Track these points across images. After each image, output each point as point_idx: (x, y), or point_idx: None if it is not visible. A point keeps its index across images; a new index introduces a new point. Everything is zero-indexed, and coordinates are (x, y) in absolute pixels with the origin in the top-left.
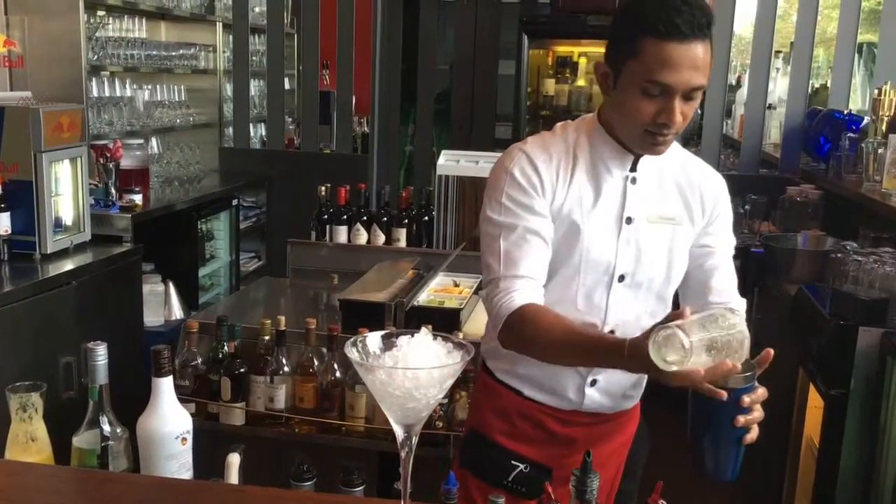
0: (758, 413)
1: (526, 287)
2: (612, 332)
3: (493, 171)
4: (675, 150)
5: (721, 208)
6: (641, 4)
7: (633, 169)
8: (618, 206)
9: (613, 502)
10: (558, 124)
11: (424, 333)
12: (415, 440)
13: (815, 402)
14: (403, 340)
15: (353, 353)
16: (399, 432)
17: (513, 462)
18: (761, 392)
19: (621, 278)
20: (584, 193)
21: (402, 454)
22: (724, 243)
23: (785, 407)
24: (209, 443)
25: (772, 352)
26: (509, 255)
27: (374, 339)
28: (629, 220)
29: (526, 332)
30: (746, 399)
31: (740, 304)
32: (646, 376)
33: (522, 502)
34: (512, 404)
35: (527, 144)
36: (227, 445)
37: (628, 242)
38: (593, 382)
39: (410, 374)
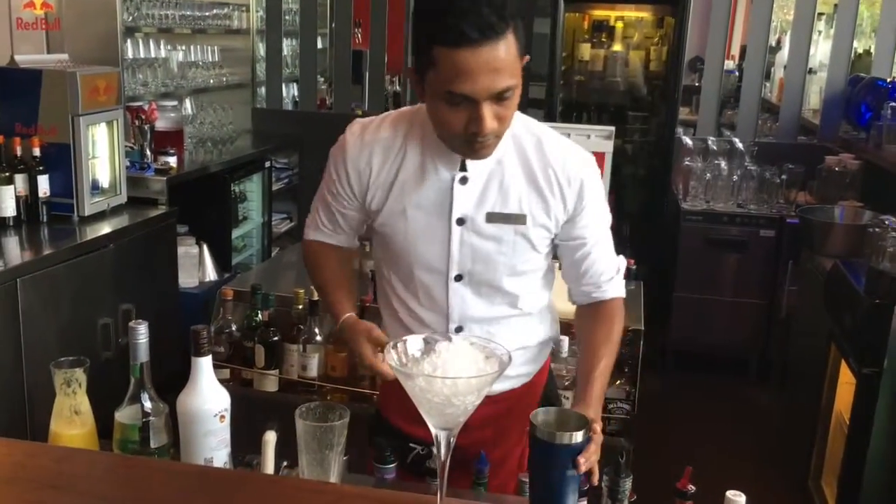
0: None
1: (325, 230)
2: (459, 328)
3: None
4: (529, 136)
5: (587, 199)
6: (430, 12)
7: (463, 168)
8: (446, 207)
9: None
10: (396, 111)
11: (462, 339)
12: (452, 441)
13: (846, 379)
14: (442, 347)
15: (392, 358)
16: (436, 434)
17: (410, 444)
18: (592, 450)
19: (458, 278)
20: (410, 192)
21: (441, 452)
22: (594, 230)
23: (815, 382)
24: (244, 409)
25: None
26: (315, 227)
27: (414, 342)
28: (461, 221)
29: (307, 263)
30: (581, 459)
31: (614, 291)
32: (537, 360)
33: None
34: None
35: (350, 141)
36: (261, 412)
37: (462, 243)
38: None
39: (450, 382)
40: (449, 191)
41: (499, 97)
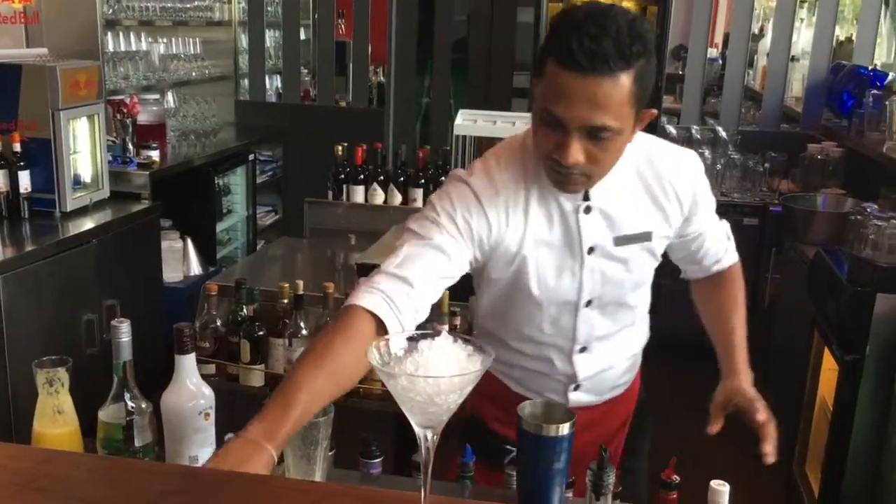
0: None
1: (386, 284)
2: (583, 349)
3: (433, 195)
4: (639, 151)
5: (699, 197)
6: (561, 22)
7: (586, 198)
8: (575, 239)
9: (620, 480)
10: (506, 147)
11: (444, 337)
12: (436, 439)
13: (829, 365)
14: (424, 345)
15: (374, 358)
16: (419, 432)
17: (507, 447)
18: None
19: (588, 303)
20: (538, 228)
21: (423, 450)
22: (706, 221)
23: (799, 369)
24: (230, 404)
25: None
26: (405, 259)
27: (396, 341)
28: (591, 250)
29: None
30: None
31: (730, 259)
32: (637, 364)
33: None
34: (502, 393)
35: (473, 177)
36: (248, 407)
37: (593, 271)
38: (576, 387)
39: (432, 381)
40: (575, 223)
41: (593, 134)
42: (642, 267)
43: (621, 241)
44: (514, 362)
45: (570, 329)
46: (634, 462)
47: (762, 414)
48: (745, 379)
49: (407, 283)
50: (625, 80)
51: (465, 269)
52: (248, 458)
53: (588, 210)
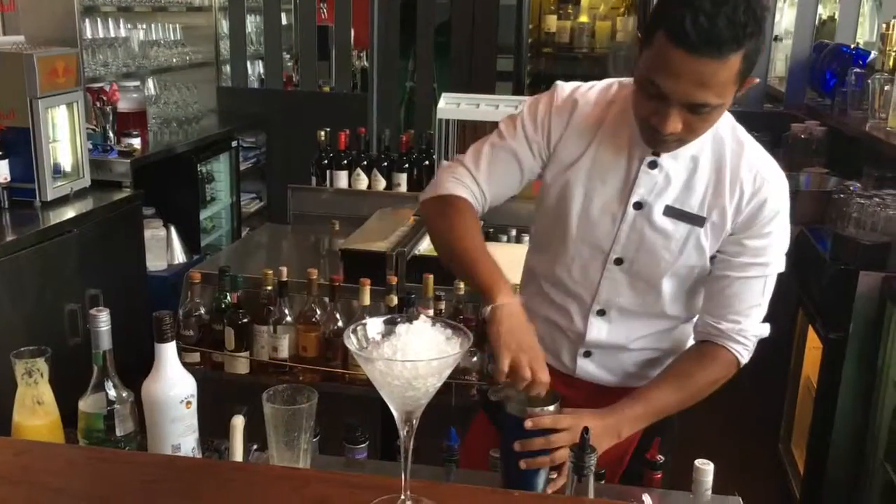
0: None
1: (469, 185)
2: (601, 311)
3: (528, 100)
4: (732, 142)
5: (761, 219)
6: None
7: (656, 153)
8: (627, 188)
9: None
10: (606, 82)
11: (423, 320)
12: (415, 422)
13: (813, 344)
14: (402, 329)
15: (351, 343)
16: (399, 417)
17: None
18: (548, 421)
19: (618, 261)
20: (596, 162)
21: (402, 434)
22: (753, 259)
23: (783, 347)
24: (215, 392)
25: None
26: (483, 157)
27: (374, 325)
28: (638, 206)
29: (446, 213)
30: (529, 423)
31: (735, 344)
32: (669, 358)
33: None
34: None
35: (562, 88)
36: (233, 394)
37: (632, 228)
38: (587, 353)
39: (409, 365)
40: (635, 172)
41: (693, 109)
42: (685, 253)
43: (671, 211)
44: (540, 312)
45: (594, 283)
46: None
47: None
48: (628, 410)
49: (479, 187)
50: (734, 60)
51: (536, 172)
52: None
53: (653, 165)
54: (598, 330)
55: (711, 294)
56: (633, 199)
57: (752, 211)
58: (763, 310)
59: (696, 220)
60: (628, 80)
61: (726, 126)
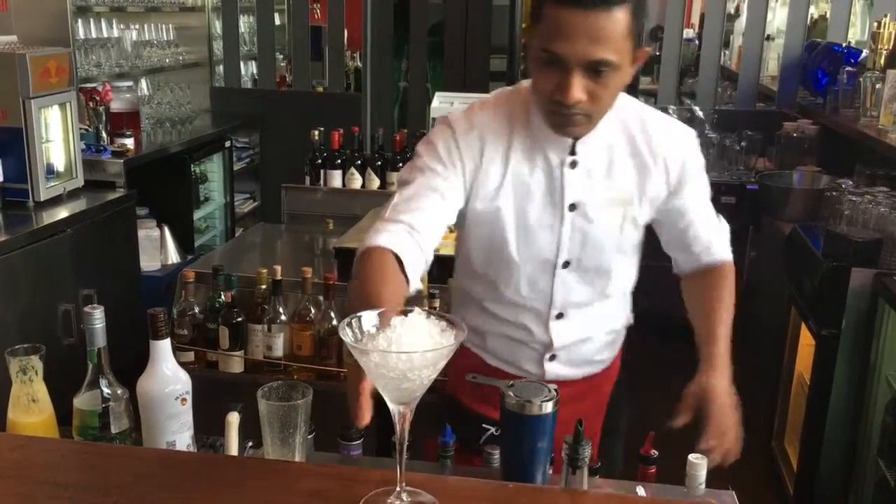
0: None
1: (394, 229)
2: (559, 314)
3: (420, 143)
4: (635, 119)
5: (690, 169)
6: None
7: (573, 152)
8: (558, 194)
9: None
10: (494, 95)
11: (418, 313)
12: (410, 415)
13: (806, 340)
14: (397, 321)
15: (346, 336)
16: (394, 409)
17: (483, 426)
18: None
19: (566, 264)
20: (520, 175)
21: (398, 427)
22: (696, 199)
23: (776, 344)
24: (210, 391)
25: None
26: (399, 205)
27: (368, 318)
28: (573, 207)
29: (358, 271)
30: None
31: (723, 253)
32: (617, 344)
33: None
34: (477, 368)
35: (455, 120)
36: (227, 393)
37: (574, 230)
38: (552, 357)
39: (405, 357)
40: (559, 177)
41: (594, 70)
42: (624, 232)
43: (604, 201)
44: (490, 330)
45: (547, 292)
46: (611, 442)
47: (720, 425)
48: (720, 381)
49: (410, 227)
50: (621, 14)
51: (461, 204)
52: None
53: (574, 165)
54: (560, 334)
55: (688, 242)
56: (567, 202)
57: (680, 169)
58: (716, 216)
59: (628, 201)
60: (510, 87)
61: (629, 109)
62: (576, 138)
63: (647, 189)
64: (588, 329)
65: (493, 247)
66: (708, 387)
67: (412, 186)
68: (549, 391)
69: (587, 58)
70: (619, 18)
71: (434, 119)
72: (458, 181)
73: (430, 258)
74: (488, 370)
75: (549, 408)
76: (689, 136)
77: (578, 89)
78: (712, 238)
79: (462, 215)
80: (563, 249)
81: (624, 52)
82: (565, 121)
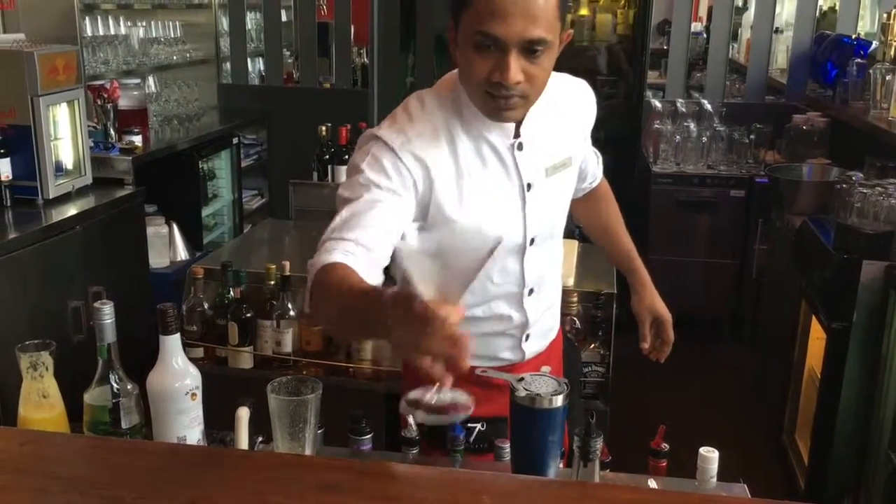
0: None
1: (343, 248)
2: (531, 290)
3: (350, 161)
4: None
5: (592, 115)
6: None
7: (517, 135)
8: (514, 178)
9: None
10: (416, 101)
11: None
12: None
13: (817, 334)
14: None
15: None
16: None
17: (469, 425)
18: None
19: (532, 241)
20: (472, 169)
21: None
22: (589, 140)
23: (787, 338)
24: (219, 387)
25: None
26: (346, 222)
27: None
28: (529, 187)
29: (318, 292)
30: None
31: (600, 174)
32: (558, 304)
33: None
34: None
35: (381, 131)
36: (237, 389)
37: (535, 206)
38: (527, 337)
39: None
40: (512, 161)
41: (529, 49)
42: (569, 193)
43: (550, 171)
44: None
45: (517, 272)
46: (573, 397)
47: (670, 333)
48: (653, 293)
49: (357, 243)
50: None
51: (409, 218)
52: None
53: (521, 147)
54: (533, 308)
55: (583, 177)
56: (524, 182)
57: (590, 118)
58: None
59: (568, 163)
60: (426, 91)
61: None
62: (513, 121)
63: (577, 147)
64: (550, 295)
65: (469, 247)
66: (651, 304)
67: (357, 203)
68: (560, 384)
69: (524, 36)
70: None
71: None
72: (409, 194)
73: (382, 277)
74: (470, 374)
75: (559, 401)
76: (586, 85)
77: (516, 69)
78: (597, 166)
79: (421, 229)
80: (529, 229)
81: (556, 31)
82: (503, 104)
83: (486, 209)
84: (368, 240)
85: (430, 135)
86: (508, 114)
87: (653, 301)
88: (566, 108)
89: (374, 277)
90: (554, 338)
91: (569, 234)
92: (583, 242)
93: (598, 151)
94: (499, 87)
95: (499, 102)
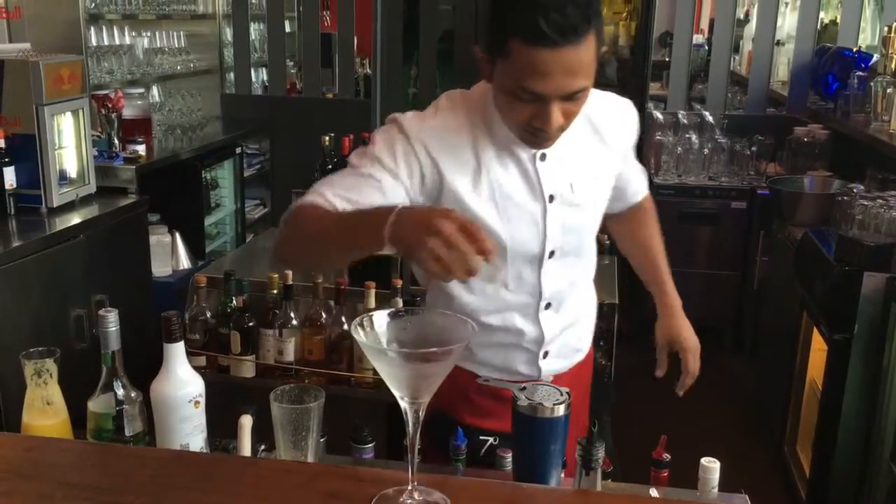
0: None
1: (335, 204)
2: (548, 304)
3: (371, 134)
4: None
5: (633, 134)
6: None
7: None
8: (536, 187)
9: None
10: (444, 98)
11: (428, 311)
12: (422, 413)
13: (818, 345)
14: (411, 319)
15: (359, 335)
16: (406, 407)
17: (481, 438)
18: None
19: (552, 254)
20: (495, 173)
21: (410, 426)
22: (632, 156)
23: (788, 349)
24: (222, 396)
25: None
26: (342, 179)
27: (380, 318)
28: (552, 198)
29: (293, 222)
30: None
31: (645, 189)
32: (591, 327)
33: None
34: (469, 384)
35: (405, 118)
36: (239, 397)
37: (556, 219)
38: (545, 354)
39: (421, 354)
40: (534, 171)
41: (570, 97)
42: (598, 210)
43: (578, 185)
44: (479, 340)
45: (534, 284)
46: (599, 430)
47: (692, 366)
48: (680, 317)
49: (347, 202)
50: (591, 39)
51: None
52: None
53: (544, 157)
54: (550, 325)
55: (623, 194)
56: (546, 193)
57: (629, 137)
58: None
59: (598, 178)
60: (460, 90)
61: None
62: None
63: (610, 164)
64: (573, 313)
65: None
66: (674, 331)
67: (359, 170)
68: (561, 394)
69: (565, 91)
70: (589, 45)
71: None
72: (411, 183)
73: None
74: (482, 388)
75: (561, 410)
76: (631, 105)
77: (558, 116)
78: (640, 182)
79: None
80: (548, 241)
81: (593, 70)
82: (543, 140)
83: (500, 207)
84: (355, 205)
85: (450, 130)
86: (546, 144)
87: (672, 327)
88: (605, 126)
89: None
90: (580, 361)
91: None
92: None
93: (643, 167)
94: (539, 131)
95: (538, 139)
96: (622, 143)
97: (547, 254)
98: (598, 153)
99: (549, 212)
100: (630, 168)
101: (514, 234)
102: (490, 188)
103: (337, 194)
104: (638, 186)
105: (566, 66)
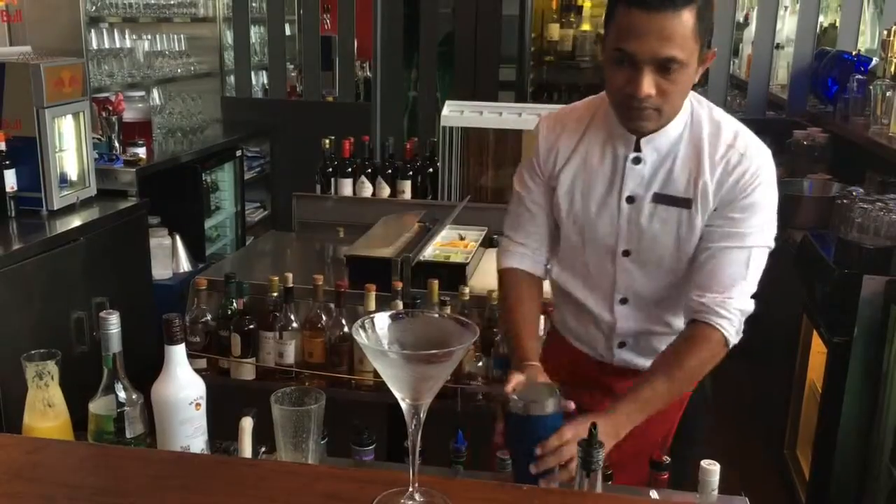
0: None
1: (517, 251)
2: (623, 299)
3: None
4: (708, 122)
5: (743, 195)
6: None
7: (637, 149)
8: (617, 186)
9: (667, 465)
10: (589, 97)
11: (430, 313)
12: (422, 416)
13: (818, 348)
14: (411, 321)
15: (361, 337)
16: (407, 408)
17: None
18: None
19: (626, 253)
20: (585, 165)
21: (410, 427)
22: (735, 231)
23: (788, 352)
24: (222, 398)
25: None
26: (512, 218)
27: (382, 320)
28: (630, 200)
29: (500, 293)
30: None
31: (721, 320)
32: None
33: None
34: (566, 350)
35: (550, 116)
36: (240, 400)
37: (629, 222)
38: (621, 344)
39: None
40: (621, 169)
41: (663, 67)
42: (681, 234)
43: (660, 198)
44: (568, 310)
45: (610, 276)
46: (686, 449)
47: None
48: (619, 413)
49: (526, 247)
50: (688, 15)
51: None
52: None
53: (637, 161)
54: (624, 318)
55: (695, 268)
56: (625, 194)
57: (732, 184)
58: (749, 285)
59: (684, 203)
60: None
61: (702, 109)
62: (646, 133)
63: (706, 197)
64: (653, 320)
65: (565, 229)
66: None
67: (513, 227)
68: (553, 392)
69: (656, 55)
70: (686, 19)
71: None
72: (542, 184)
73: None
74: (573, 352)
75: (550, 407)
76: (761, 157)
77: (649, 84)
78: (720, 288)
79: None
80: (621, 238)
81: (691, 50)
82: (636, 114)
83: (583, 193)
84: (528, 237)
85: (574, 119)
86: (641, 124)
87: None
88: (711, 152)
89: (539, 264)
90: None
91: None
92: None
93: (746, 306)
94: (631, 99)
95: (632, 112)
96: (718, 182)
97: (620, 251)
98: (694, 182)
99: (623, 210)
100: (721, 246)
101: (589, 224)
102: (575, 173)
103: (514, 252)
104: (715, 290)
105: (658, 30)
